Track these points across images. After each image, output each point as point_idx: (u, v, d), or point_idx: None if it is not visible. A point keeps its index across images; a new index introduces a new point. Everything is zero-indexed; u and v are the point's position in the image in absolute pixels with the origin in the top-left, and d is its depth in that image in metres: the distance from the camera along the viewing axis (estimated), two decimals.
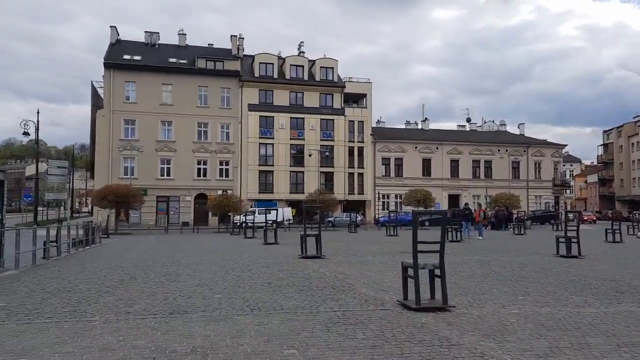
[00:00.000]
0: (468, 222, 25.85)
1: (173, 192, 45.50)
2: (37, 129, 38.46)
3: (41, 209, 51.83)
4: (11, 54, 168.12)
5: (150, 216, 44.19)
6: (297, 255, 15.32)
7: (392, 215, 34.55)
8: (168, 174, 45.55)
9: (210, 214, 44.25)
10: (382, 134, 53.05)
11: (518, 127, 61.06)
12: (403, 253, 15.90)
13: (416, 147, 52.59)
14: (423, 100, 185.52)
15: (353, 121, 50.58)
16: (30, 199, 54.73)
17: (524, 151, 55.79)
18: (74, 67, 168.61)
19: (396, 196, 50.85)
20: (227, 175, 46.97)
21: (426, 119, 58.95)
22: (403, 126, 59.68)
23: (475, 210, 28.78)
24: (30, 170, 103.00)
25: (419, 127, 58.70)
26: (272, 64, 49.66)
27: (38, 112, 37.81)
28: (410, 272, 7.19)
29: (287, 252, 16.85)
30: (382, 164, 51.73)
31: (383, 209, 50.07)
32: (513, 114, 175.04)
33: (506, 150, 55.20)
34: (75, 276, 11.16)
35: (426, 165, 52.83)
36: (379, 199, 51.21)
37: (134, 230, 38.24)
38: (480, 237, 24.61)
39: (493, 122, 63.22)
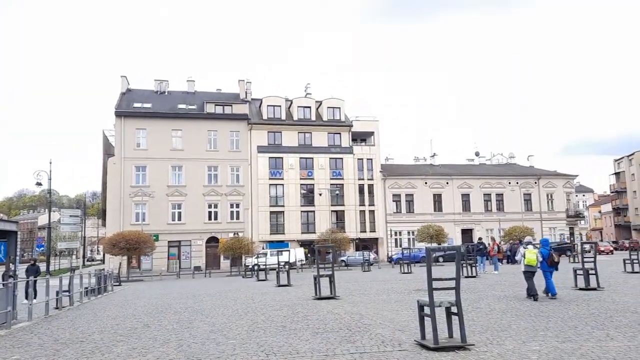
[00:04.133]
0: (483, 256, 25.50)
1: (184, 236, 45.50)
2: (49, 179, 39.13)
3: (54, 258, 51.97)
4: (26, 104, 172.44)
5: (162, 262, 44.06)
6: (311, 296, 15.14)
7: (405, 252, 34.19)
8: (179, 219, 45.69)
9: (222, 257, 44.10)
10: (391, 170, 53.14)
11: (527, 159, 60.94)
12: (418, 291, 15.67)
13: (426, 183, 52.50)
14: (431, 135, 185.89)
15: (362, 159, 50.81)
16: (42, 248, 54.98)
17: (535, 183, 55.45)
18: (85, 117, 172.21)
19: (408, 232, 50.46)
20: (238, 218, 47.01)
21: (435, 154, 59.09)
22: (412, 162, 59.83)
23: (489, 244, 28.42)
24: (42, 220, 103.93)
25: (428, 162, 58.81)
26: (280, 106, 50.43)
27: (50, 163, 38.51)
28: (427, 310, 7.07)
29: (301, 294, 16.66)
30: (393, 201, 51.58)
31: (396, 246, 49.61)
32: (520, 145, 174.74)
33: (517, 183, 54.90)
34: (88, 326, 11.08)
35: (437, 201, 52.58)
36: (391, 236, 50.81)
37: (146, 277, 38.11)
38: (496, 272, 24.20)
39: (502, 154, 63.23)
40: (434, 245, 41.67)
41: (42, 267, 40.17)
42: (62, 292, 15.67)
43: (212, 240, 45.47)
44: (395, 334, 8.24)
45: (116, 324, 11.18)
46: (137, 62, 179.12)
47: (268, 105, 50.14)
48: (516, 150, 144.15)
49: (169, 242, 44.93)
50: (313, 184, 48.91)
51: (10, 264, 14.82)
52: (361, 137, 52.77)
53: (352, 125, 51.22)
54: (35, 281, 16.30)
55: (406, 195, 51.98)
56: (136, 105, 47.54)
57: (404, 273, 27.09)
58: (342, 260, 42.49)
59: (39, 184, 38.33)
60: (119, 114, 45.74)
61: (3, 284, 12.67)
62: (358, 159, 50.69)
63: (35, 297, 15.73)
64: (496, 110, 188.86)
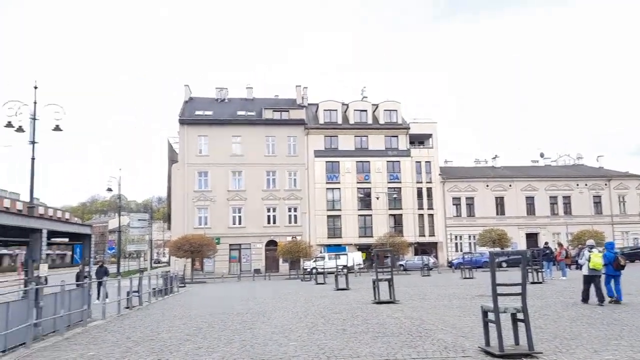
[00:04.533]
0: (549, 262, 24.52)
1: (244, 239, 46.53)
2: (119, 185, 41.28)
3: (123, 260, 54.52)
4: (99, 117, 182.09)
5: (223, 264, 45.27)
6: (370, 300, 15.10)
7: (466, 257, 33.42)
8: (239, 222, 46.78)
9: (280, 260, 44.76)
10: (450, 173, 52.06)
11: (597, 159, 57.97)
12: (481, 296, 15.29)
13: (487, 185, 51.05)
14: (492, 137, 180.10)
15: (420, 162, 50.13)
16: (113, 250, 57.85)
17: (605, 185, 52.64)
18: (151, 125, 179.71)
19: (469, 237, 49.21)
20: (295, 222, 47.58)
21: (496, 155, 57.43)
22: (472, 164, 58.36)
23: (556, 249, 27.28)
24: (113, 223, 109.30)
25: (489, 164, 57.16)
26: (336, 110, 50.69)
27: (120, 169, 40.53)
28: (491, 316, 6.91)
29: (360, 298, 16.65)
30: (453, 204, 50.49)
31: (456, 250, 48.51)
32: (587, 145, 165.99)
33: (585, 185, 52.31)
34: (157, 325, 11.57)
35: (499, 204, 50.98)
36: (451, 240, 49.73)
37: (209, 279, 39.27)
38: (563, 278, 23.20)
39: (568, 155, 60.47)
40: (497, 249, 40.44)
41: (112, 268, 42.34)
42: (132, 293, 16.44)
43: (271, 244, 46.22)
44: (458, 339, 8.09)
45: (183, 323, 11.61)
46: (199, 70, 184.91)
47: (324, 110, 50.49)
48: (583, 150, 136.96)
49: (230, 245, 46.08)
50: (370, 188, 48.74)
51: (85, 266, 15.75)
52: (419, 140, 52.09)
53: (409, 128, 50.68)
54: (105, 282, 17.19)
55: (466, 198, 50.76)
56: (198, 113, 49.19)
57: (466, 278, 26.47)
58: (401, 265, 42.05)
59: (109, 189, 40.70)
60: (182, 122, 47.49)
61: (77, 285, 13.49)
62: (416, 161, 50.04)
63: (107, 297, 16.58)
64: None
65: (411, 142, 51.15)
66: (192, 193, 46.26)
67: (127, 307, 15.68)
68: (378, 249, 25.32)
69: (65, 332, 10.63)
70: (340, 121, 50.34)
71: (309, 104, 53.18)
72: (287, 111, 50.07)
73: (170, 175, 48.49)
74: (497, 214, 50.57)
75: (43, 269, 12.43)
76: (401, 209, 48.87)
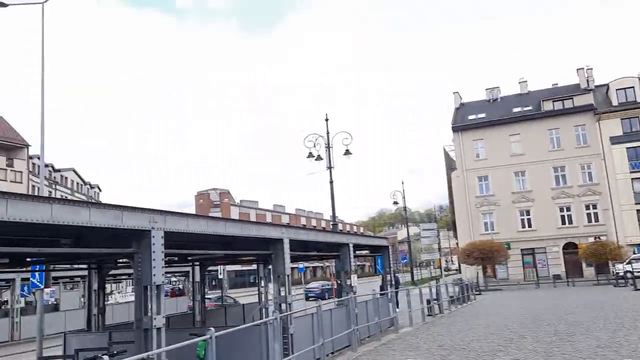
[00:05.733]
0: None
1: (537, 243, 43.20)
2: (403, 198, 43.63)
3: (415, 269, 57.06)
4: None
5: (517, 270, 42.88)
6: None
7: None
8: (529, 225, 43.71)
9: (584, 264, 40.09)
10: None
11: None
12: None
13: None
14: None
15: None
16: (405, 260, 61.15)
17: None
18: (425, 136, 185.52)
19: None
20: (597, 220, 41.95)
21: None
22: None
23: None
24: (401, 234, 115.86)
25: None
26: (633, 87, 43.18)
27: (402, 183, 42.87)
28: None
29: None
30: None
31: None
32: None
33: None
34: (464, 333, 11.55)
35: None
36: None
37: (504, 286, 37.74)
38: None
39: None
40: None
41: (404, 278, 44.78)
42: (433, 300, 16.90)
43: (570, 246, 41.80)
44: None
45: (490, 333, 11.31)
46: (469, 75, 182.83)
47: (617, 90, 43.63)
48: None
49: (521, 250, 43.47)
50: None
51: (387, 275, 16.95)
52: None
53: None
54: (407, 290, 18.09)
55: None
56: (470, 117, 48.45)
57: None
58: None
59: (395, 202, 43.44)
60: (455, 129, 47.41)
61: (381, 294, 14.54)
62: None
63: (398, 306, 17.42)
64: None
65: None
66: (474, 199, 45.51)
67: (430, 315, 16.16)
68: None
69: (380, 337, 11.52)
70: (639, 99, 42.85)
71: (596, 86, 46.89)
72: (571, 98, 45.04)
73: (450, 183, 48.83)
74: None
75: (353, 279, 13.84)
76: None
